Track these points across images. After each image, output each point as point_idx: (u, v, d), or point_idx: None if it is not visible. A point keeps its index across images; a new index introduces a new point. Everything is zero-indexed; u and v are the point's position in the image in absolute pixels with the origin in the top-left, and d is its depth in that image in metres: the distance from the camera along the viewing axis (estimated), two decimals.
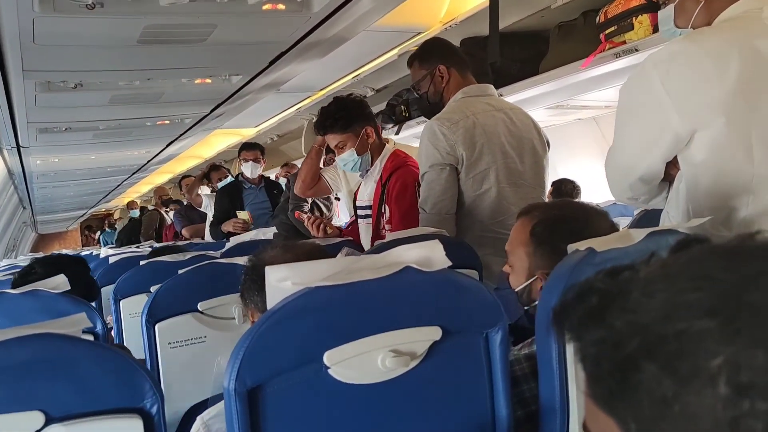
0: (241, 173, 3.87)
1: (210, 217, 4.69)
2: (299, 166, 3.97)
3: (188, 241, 4.56)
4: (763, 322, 0.37)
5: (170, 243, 4.38)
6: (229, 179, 4.09)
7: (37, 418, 0.69)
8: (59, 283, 1.30)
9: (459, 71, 1.99)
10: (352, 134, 2.18)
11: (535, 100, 2.81)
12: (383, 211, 2.16)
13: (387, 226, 2.14)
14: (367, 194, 2.27)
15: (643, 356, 0.39)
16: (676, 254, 0.45)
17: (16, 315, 1.24)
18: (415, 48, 2.83)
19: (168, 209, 6.36)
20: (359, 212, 2.33)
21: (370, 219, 2.23)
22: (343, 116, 2.17)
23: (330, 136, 2.21)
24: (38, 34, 1.23)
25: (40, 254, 7.95)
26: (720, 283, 0.39)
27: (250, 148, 3.83)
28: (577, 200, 1.09)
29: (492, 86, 2.06)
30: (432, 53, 2.02)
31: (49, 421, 0.69)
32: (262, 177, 3.89)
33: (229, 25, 1.33)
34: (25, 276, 1.69)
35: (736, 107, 1.08)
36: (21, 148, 2.70)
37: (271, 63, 1.73)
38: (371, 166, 2.24)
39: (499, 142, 1.89)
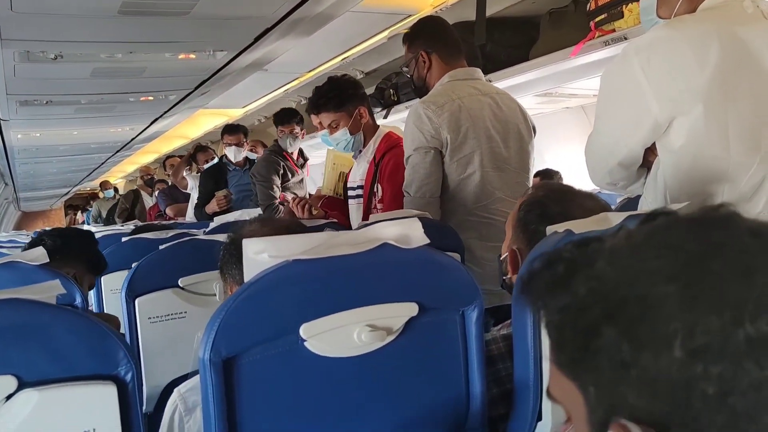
0: (225, 155, 3.85)
1: (194, 199, 4.69)
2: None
3: (173, 221, 4.54)
4: (719, 290, 0.38)
5: (154, 222, 4.36)
6: (215, 161, 4.06)
7: (9, 382, 0.69)
8: (38, 255, 1.29)
9: (444, 56, 1.98)
10: (345, 113, 2.18)
11: (524, 86, 2.81)
12: (375, 190, 2.16)
13: (379, 206, 2.14)
14: (359, 175, 2.27)
15: (603, 322, 0.40)
16: (642, 225, 0.46)
17: None
18: (405, 30, 2.83)
19: (154, 189, 6.33)
20: (350, 193, 2.33)
21: (362, 199, 2.24)
22: (336, 95, 2.18)
23: (323, 115, 2.21)
24: (16, 2, 1.20)
25: (23, 232, 7.88)
26: (682, 252, 0.40)
27: (232, 132, 3.76)
28: (561, 183, 1.10)
29: (480, 70, 2.05)
30: (418, 37, 2.02)
31: (21, 386, 0.69)
32: (246, 159, 3.86)
33: None
34: (33, 246, 1.69)
35: (715, 95, 1.09)
36: (1, 122, 2.67)
37: (257, 39, 1.71)
38: (364, 147, 2.25)
39: (485, 126, 1.89)
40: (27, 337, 0.70)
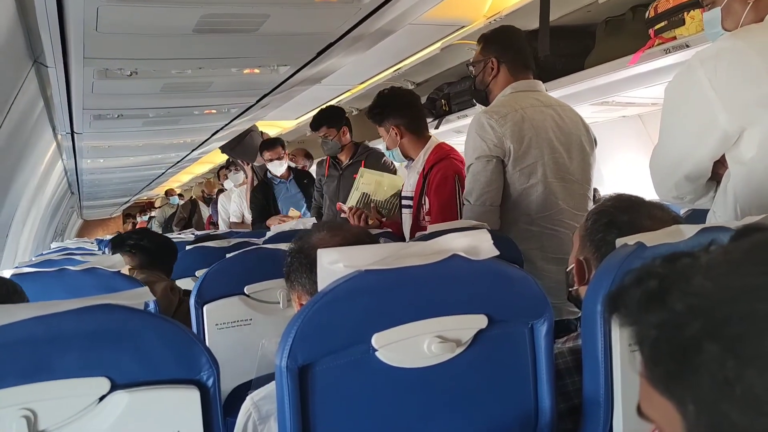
0: (267, 170, 3.91)
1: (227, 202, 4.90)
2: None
3: (229, 230, 4.67)
4: None
5: (210, 231, 4.49)
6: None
7: (103, 384, 0.72)
8: (116, 262, 1.36)
9: (512, 67, 2.00)
10: (383, 129, 2.30)
11: (580, 95, 2.77)
12: (423, 202, 2.19)
13: (427, 218, 2.16)
14: (410, 185, 2.31)
15: (705, 338, 0.40)
16: (737, 242, 0.45)
17: (75, 290, 1.29)
18: (459, 41, 2.83)
19: (211, 201, 6.55)
20: (404, 202, 2.37)
21: (412, 210, 2.27)
22: (378, 113, 2.30)
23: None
24: (101, 22, 1.28)
25: (85, 239, 8.23)
26: None
27: (270, 147, 3.83)
28: (630, 194, 1.09)
29: (541, 83, 2.06)
30: (493, 42, 2.04)
31: (114, 388, 0.73)
32: (290, 169, 3.94)
33: (282, 15, 1.36)
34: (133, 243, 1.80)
35: None
36: (75, 134, 2.81)
37: (319, 54, 1.76)
38: (406, 160, 2.31)
39: (547, 137, 1.89)
40: (119, 341, 0.74)
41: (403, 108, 2.30)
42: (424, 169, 2.22)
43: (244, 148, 4.54)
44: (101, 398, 0.73)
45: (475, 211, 1.85)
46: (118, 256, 1.37)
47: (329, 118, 3.30)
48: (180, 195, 8.71)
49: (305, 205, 3.89)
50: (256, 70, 1.87)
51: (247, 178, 4.73)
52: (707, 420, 0.41)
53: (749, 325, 0.38)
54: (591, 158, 1.99)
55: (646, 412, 0.47)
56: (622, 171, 3.93)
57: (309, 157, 4.72)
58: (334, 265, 0.84)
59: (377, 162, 3.07)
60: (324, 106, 3.63)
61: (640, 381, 0.47)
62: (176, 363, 0.76)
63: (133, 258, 1.84)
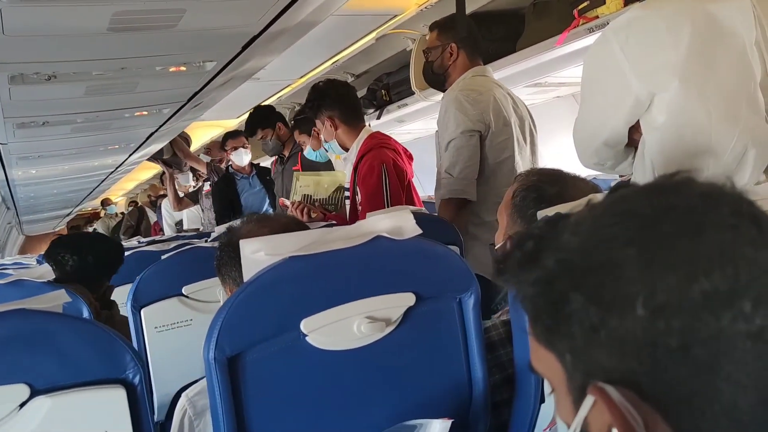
0: (230, 164, 3.80)
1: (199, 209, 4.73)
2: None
3: (175, 234, 4.58)
4: (673, 249, 0.40)
5: (156, 237, 4.39)
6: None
7: (22, 390, 0.71)
8: (44, 272, 1.32)
9: (470, 53, 2.11)
10: (320, 122, 2.29)
11: (514, 78, 2.82)
12: (356, 192, 2.22)
13: (359, 208, 2.19)
14: (348, 178, 2.34)
15: (571, 289, 0.42)
16: (605, 198, 0.48)
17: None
18: (394, 30, 2.86)
19: (158, 206, 6.39)
20: (347, 194, 2.40)
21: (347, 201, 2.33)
22: (311, 107, 2.28)
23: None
24: (7, 25, 1.23)
25: (28, 255, 7.90)
26: (637, 217, 0.42)
27: (235, 136, 3.77)
28: (555, 168, 1.15)
29: (490, 68, 2.18)
30: (451, 29, 2.12)
31: (34, 393, 0.71)
32: (252, 165, 3.85)
33: (198, 9, 1.34)
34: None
35: (692, 69, 1.12)
36: None
37: (244, 48, 1.74)
38: (347, 151, 2.30)
39: (512, 118, 2.03)
40: (36, 345, 0.72)
41: (336, 99, 2.28)
42: (356, 159, 2.24)
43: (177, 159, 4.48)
44: (21, 405, 0.71)
45: (457, 184, 1.92)
46: (45, 266, 1.33)
47: (260, 119, 3.27)
48: (134, 202, 8.47)
49: (268, 202, 3.76)
50: (182, 68, 1.84)
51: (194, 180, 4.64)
52: (582, 367, 0.43)
53: (606, 272, 0.41)
54: (536, 140, 2.16)
55: (536, 367, 0.49)
56: (561, 150, 4.03)
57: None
58: (256, 254, 0.85)
59: None
60: (251, 110, 3.58)
61: (529, 338, 0.49)
62: (99, 363, 0.76)
63: (53, 271, 1.72)
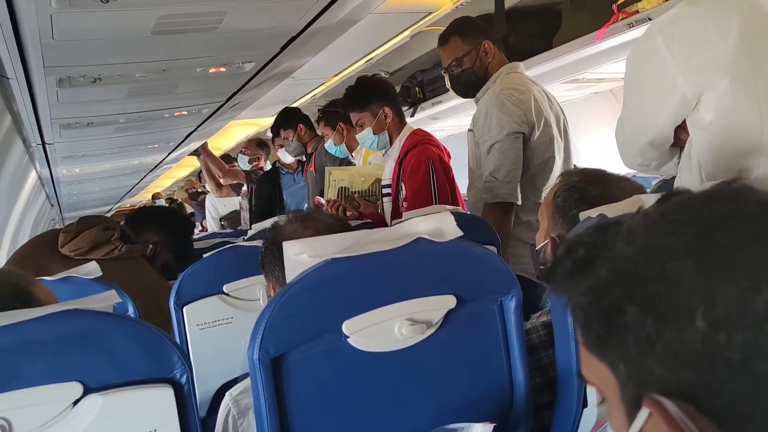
0: (277, 159, 3.75)
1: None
2: None
3: (212, 232, 4.63)
4: (733, 260, 0.39)
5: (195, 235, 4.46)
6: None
7: (75, 388, 0.73)
8: (91, 269, 1.35)
9: (500, 50, 2.08)
10: (369, 113, 2.24)
11: (550, 74, 2.79)
12: (400, 189, 2.21)
13: (404, 204, 2.18)
14: (387, 174, 2.33)
15: (625, 300, 0.41)
16: (656, 206, 0.47)
17: None
18: (428, 27, 2.84)
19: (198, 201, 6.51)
20: (383, 191, 2.39)
21: (388, 198, 2.30)
22: (360, 96, 2.24)
23: (351, 115, 2.29)
24: (57, 30, 1.27)
25: None
26: (693, 226, 0.41)
27: (280, 134, 3.78)
28: (598, 168, 1.13)
29: (522, 65, 2.12)
30: (474, 29, 2.08)
31: (87, 391, 0.73)
32: (299, 161, 3.83)
33: (239, 12, 1.36)
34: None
35: (741, 66, 1.08)
36: (46, 145, 2.79)
37: (282, 49, 1.76)
38: (390, 146, 2.29)
39: (550, 117, 2.00)
40: (88, 344, 0.74)
41: (389, 91, 2.30)
42: (399, 155, 2.23)
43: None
44: (75, 402, 0.74)
45: (504, 188, 1.90)
46: (93, 264, 1.37)
47: (283, 120, 3.30)
48: (171, 199, 8.68)
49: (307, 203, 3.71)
50: (222, 69, 1.88)
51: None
52: (636, 378, 0.42)
53: (662, 283, 0.40)
54: (569, 137, 2.11)
55: (587, 376, 0.48)
56: (598, 147, 3.96)
57: (262, 146, 4.50)
58: (299, 256, 0.86)
59: None
60: (277, 113, 3.60)
61: (580, 347, 0.48)
62: (148, 362, 0.77)
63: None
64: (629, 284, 0.42)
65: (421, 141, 2.23)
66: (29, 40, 1.32)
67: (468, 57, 2.05)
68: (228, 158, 4.84)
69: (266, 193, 3.71)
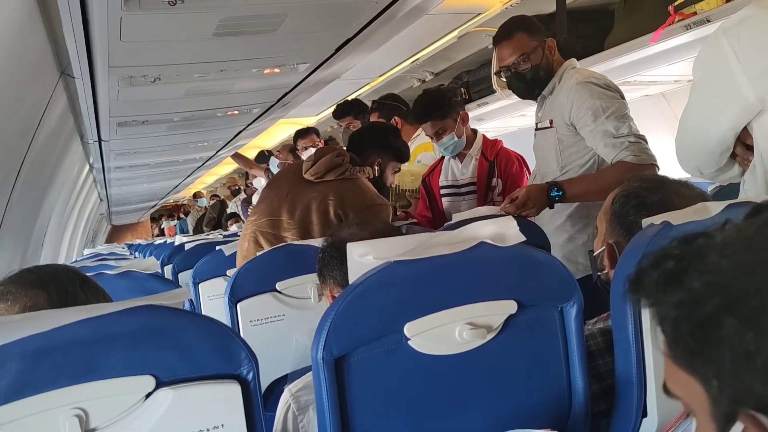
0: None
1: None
2: None
3: None
4: None
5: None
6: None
7: (148, 381, 0.75)
8: (150, 264, 1.40)
9: (559, 47, 2.09)
10: (450, 120, 2.42)
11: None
12: (494, 184, 2.40)
13: (498, 199, 2.36)
14: (469, 172, 2.49)
15: (724, 313, 0.41)
16: (750, 219, 0.46)
17: (112, 293, 1.33)
18: (476, 28, 2.83)
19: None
20: (447, 191, 2.55)
21: (470, 195, 2.48)
22: (438, 106, 2.41)
23: (428, 124, 2.44)
24: (124, 31, 1.32)
25: (115, 244, 8.38)
26: None
27: (305, 135, 3.81)
28: (653, 173, 1.11)
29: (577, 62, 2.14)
30: (537, 27, 2.05)
31: (159, 385, 0.75)
32: None
33: (300, 14, 1.38)
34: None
35: None
36: (102, 142, 2.89)
37: (337, 50, 1.78)
38: (468, 148, 2.49)
39: None
40: (161, 339, 0.76)
41: (459, 97, 2.62)
42: (485, 155, 2.45)
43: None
44: (147, 395, 0.76)
45: (648, 152, 1.91)
46: (152, 259, 1.41)
47: (355, 108, 3.33)
48: (215, 196, 8.88)
49: None
50: (276, 70, 1.91)
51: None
52: (731, 393, 0.41)
53: (765, 298, 0.39)
54: None
55: (672, 390, 0.48)
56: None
57: (294, 152, 4.43)
58: (364, 257, 0.86)
59: None
60: (335, 104, 3.64)
61: (665, 360, 0.47)
62: (217, 358, 0.79)
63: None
64: (728, 297, 0.41)
65: (497, 142, 2.49)
66: (98, 41, 1.37)
67: (534, 54, 2.01)
68: (262, 157, 4.90)
69: None
